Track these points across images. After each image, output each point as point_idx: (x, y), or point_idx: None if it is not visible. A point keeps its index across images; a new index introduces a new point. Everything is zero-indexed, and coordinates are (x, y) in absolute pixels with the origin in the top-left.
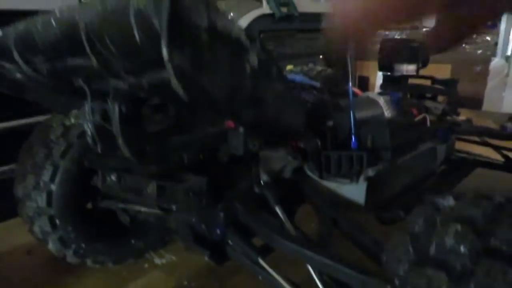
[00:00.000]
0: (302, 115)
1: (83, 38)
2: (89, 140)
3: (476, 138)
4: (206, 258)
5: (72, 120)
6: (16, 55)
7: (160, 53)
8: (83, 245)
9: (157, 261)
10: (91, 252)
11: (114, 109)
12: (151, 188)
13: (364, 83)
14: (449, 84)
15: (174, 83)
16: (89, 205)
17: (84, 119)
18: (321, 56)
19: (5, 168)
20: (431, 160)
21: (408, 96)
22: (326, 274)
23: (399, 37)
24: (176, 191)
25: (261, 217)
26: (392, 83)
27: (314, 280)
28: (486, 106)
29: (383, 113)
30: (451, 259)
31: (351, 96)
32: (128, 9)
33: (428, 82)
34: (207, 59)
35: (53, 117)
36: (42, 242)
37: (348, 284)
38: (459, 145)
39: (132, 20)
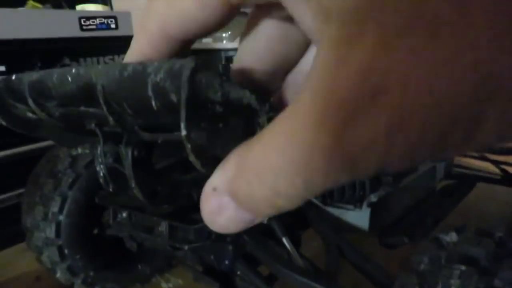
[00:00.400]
0: None
1: (100, 99)
2: (101, 180)
3: (474, 153)
4: None
5: (79, 150)
6: (30, 101)
7: (176, 122)
8: (91, 273)
9: (164, 285)
10: (99, 279)
11: (127, 154)
12: (163, 227)
13: None
14: None
15: (192, 159)
16: (95, 231)
17: (96, 161)
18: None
19: (11, 194)
20: (430, 179)
21: None
22: None
23: None
24: (187, 231)
25: (268, 248)
26: None
27: None
28: None
29: None
30: None
31: None
32: (147, 81)
33: None
34: (221, 130)
35: (58, 148)
36: (50, 271)
37: None
38: (457, 158)
39: (150, 92)
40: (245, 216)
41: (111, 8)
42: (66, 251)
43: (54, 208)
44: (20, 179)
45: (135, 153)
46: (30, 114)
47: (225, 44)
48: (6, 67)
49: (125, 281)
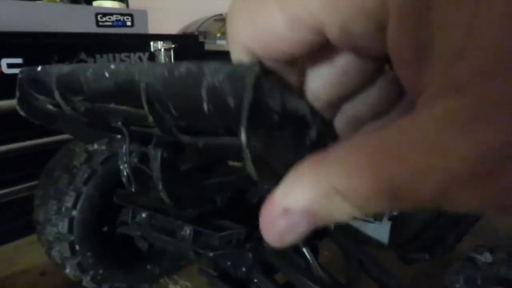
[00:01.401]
0: None
1: (143, 98)
2: (124, 180)
3: None
4: None
5: (95, 146)
6: (56, 94)
7: (226, 126)
8: (100, 271)
9: (172, 287)
10: (108, 278)
11: (156, 156)
12: (187, 232)
13: None
14: None
15: (250, 167)
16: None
17: (120, 160)
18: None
19: (18, 187)
20: None
21: None
22: None
23: None
24: (211, 238)
25: (287, 257)
26: None
27: None
28: None
29: None
30: None
31: None
32: (201, 83)
33: None
34: (276, 140)
35: (75, 142)
36: (59, 266)
37: None
38: None
39: (203, 94)
40: (312, 228)
41: (127, 5)
42: (77, 247)
43: (68, 203)
44: (28, 173)
45: (165, 155)
46: (50, 107)
47: None
48: (23, 60)
49: (133, 281)
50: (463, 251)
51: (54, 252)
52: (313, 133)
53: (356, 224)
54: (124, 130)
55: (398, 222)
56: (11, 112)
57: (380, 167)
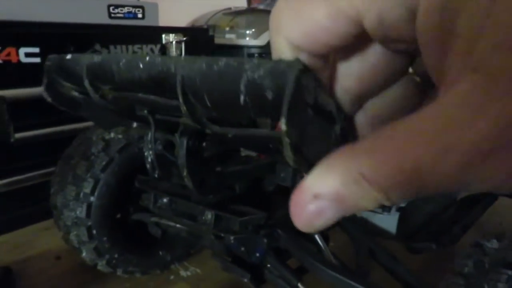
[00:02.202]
0: None
1: (178, 89)
2: (148, 166)
3: None
4: (246, 281)
5: (112, 135)
6: (86, 82)
7: (261, 117)
8: (116, 255)
9: (183, 273)
10: (122, 262)
11: (182, 144)
12: (208, 216)
13: None
14: None
15: (288, 153)
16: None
17: (145, 147)
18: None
19: (33, 174)
20: None
21: None
22: None
23: None
24: (232, 222)
25: (301, 244)
26: None
27: None
28: None
29: None
30: None
31: None
32: (240, 77)
33: None
34: (309, 132)
35: (92, 130)
36: (76, 250)
37: None
38: None
39: (242, 88)
40: (341, 215)
41: None
42: (94, 231)
43: (86, 189)
44: (43, 160)
45: (190, 143)
46: (75, 94)
47: (248, 41)
48: (40, 49)
49: (146, 266)
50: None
51: (72, 237)
52: (337, 128)
53: (365, 214)
54: (150, 119)
55: (406, 213)
56: (29, 100)
57: (405, 151)
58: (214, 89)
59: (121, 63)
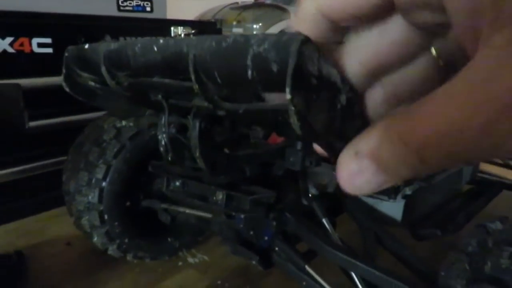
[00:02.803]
0: None
1: (190, 68)
2: (162, 149)
3: (499, 161)
4: (254, 263)
5: (123, 123)
6: (103, 69)
7: (268, 90)
8: (126, 240)
9: (190, 260)
10: (132, 247)
11: (195, 126)
12: (219, 197)
13: None
14: None
15: (294, 121)
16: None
17: (159, 131)
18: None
19: (45, 162)
20: (457, 181)
21: None
22: (373, 285)
23: None
24: (243, 201)
25: (309, 227)
26: None
27: None
28: None
29: None
30: (506, 277)
31: None
32: (247, 52)
33: None
34: (314, 100)
35: (103, 119)
36: (87, 235)
37: None
38: (482, 166)
39: (249, 62)
40: (380, 179)
41: None
42: (106, 216)
43: (99, 175)
44: (53, 149)
45: (202, 125)
46: (92, 83)
47: None
48: (52, 40)
49: (155, 252)
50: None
51: (84, 221)
52: (343, 98)
53: (371, 201)
54: (164, 103)
55: (411, 202)
56: (42, 90)
57: (441, 113)
58: (224, 66)
59: (136, 48)
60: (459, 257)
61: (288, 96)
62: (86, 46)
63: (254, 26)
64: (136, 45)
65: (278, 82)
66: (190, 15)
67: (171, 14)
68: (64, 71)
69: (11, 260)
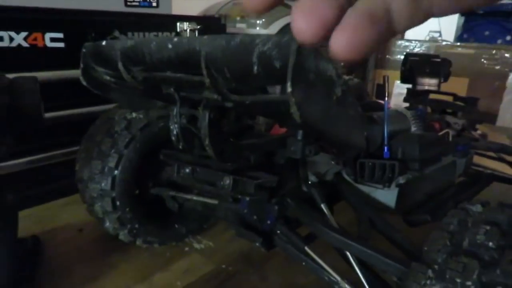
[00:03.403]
0: (363, 135)
1: (202, 64)
2: (173, 138)
3: (493, 154)
4: (257, 244)
5: (134, 115)
6: (120, 64)
7: (271, 84)
8: (137, 225)
9: (196, 245)
10: (142, 232)
11: (205, 116)
12: (227, 182)
13: (382, 91)
14: (469, 102)
15: (294, 111)
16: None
17: (171, 121)
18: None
19: (56, 152)
20: (451, 172)
21: (430, 110)
22: (366, 264)
23: (422, 51)
24: (248, 185)
25: (308, 212)
26: (415, 96)
27: (354, 269)
28: (500, 121)
29: (410, 126)
30: (481, 251)
31: (386, 110)
32: (253, 50)
33: (449, 98)
34: (312, 93)
35: (114, 110)
36: (99, 221)
37: (386, 272)
38: (476, 159)
39: (254, 59)
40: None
41: None
42: (118, 202)
43: (111, 163)
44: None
45: (211, 116)
46: (107, 78)
47: (258, 30)
48: (63, 35)
49: (163, 237)
50: None
51: (97, 207)
52: (338, 90)
53: (367, 190)
54: (176, 95)
55: (405, 190)
56: (54, 83)
57: None
58: (232, 62)
59: (152, 45)
60: (441, 234)
61: (289, 89)
62: (103, 43)
63: (257, 21)
64: (151, 42)
65: (280, 77)
66: (194, 11)
67: (175, 10)
68: (81, 66)
69: (28, 244)
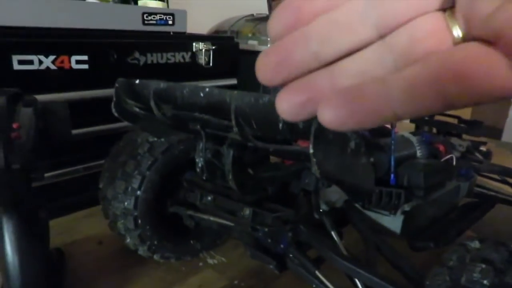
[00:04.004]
0: (373, 180)
1: (232, 115)
2: (198, 170)
3: (496, 176)
4: (271, 267)
5: (155, 138)
6: (152, 103)
7: (293, 138)
8: (155, 242)
9: (210, 261)
10: (160, 248)
11: (229, 154)
12: (247, 212)
13: None
14: (474, 125)
15: (314, 168)
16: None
17: (197, 155)
18: None
19: (77, 167)
20: (454, 196)
21: (435, 130)
22: None
23: None
24: (267, 218)
25: (320, 238)
26: (421, 118)
27: None
28: (506, 136)
29: (416, 152)
30: (476, 287)
31: (393, 136)
32: None
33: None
34: (330, 150)
35: (136, 133)
36: (121, 237)
37: None
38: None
39: (280, 118)
40: None
41: (167, 5)
42: (139, 221)
43: (134, 184)
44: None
45: (235, 154)
46: (137, 110)
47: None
48: (88, 57)
49: (179, 253)
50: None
51: (119, 225)
52: (352, 144)
53: (374, 216)
54: (202, 132)
55: (409, 216)
56: (79, 102)
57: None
58: (260, 117)
59: (184, 91)
60: (441, 270)
61: (311, 151)
62: (137, 81)
63: (269, 38)
64: (184, 88)
65: (302, 134)
66: (207, 26)
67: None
68: (114, 99)
69: (54, 257)
